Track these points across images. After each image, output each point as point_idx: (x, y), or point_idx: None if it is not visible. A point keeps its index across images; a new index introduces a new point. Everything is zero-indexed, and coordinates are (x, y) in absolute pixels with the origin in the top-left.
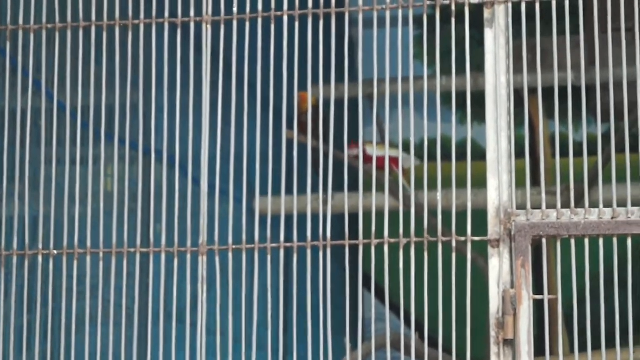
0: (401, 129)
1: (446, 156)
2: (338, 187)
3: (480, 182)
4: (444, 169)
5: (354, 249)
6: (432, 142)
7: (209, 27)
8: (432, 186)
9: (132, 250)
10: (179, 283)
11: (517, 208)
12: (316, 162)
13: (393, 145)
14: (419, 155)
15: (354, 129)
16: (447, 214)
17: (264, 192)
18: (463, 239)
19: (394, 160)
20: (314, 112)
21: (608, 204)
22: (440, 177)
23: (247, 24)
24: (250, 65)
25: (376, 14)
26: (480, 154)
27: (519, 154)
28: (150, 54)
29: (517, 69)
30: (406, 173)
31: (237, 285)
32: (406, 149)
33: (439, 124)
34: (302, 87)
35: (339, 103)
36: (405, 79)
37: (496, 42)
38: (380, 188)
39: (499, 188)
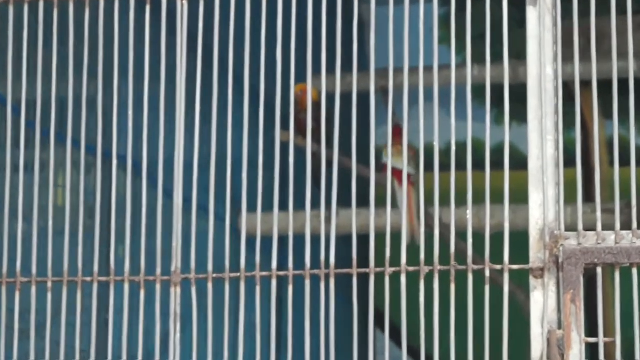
0: (422, 130)
1: (478, 164)
2: (344, 202)
3: (520, 197)
4: (475, 180)
5: (363, 279)
6: (461, 147)
7: (185, 3)
8: (461, 202)
9: (89, 279)
10: (146, 320)
11: (566, 229)
12: (317, 171)
13: (396, 153)
14: (445, 162)
15: (364, 129)
16: (478, 237)
17: (252, 208)
18: (499, 267)
19: (397, 174)
20: (315, 108)
21: None
22: (470, 190)
23: (233, 0)
24: (236, 51)
25: None
26: (520, 162)
27: (569, 162)
28: (112, 36)
29: (567, 57)
30: (412, 183)
31: (218, 323)
32: (429, 154)
33: (469, 124)
34: (301, 78)
35: (346, 98)
36: (428, 69)
37: (541, 23)
38: (397, 204)
39: (543, 205)
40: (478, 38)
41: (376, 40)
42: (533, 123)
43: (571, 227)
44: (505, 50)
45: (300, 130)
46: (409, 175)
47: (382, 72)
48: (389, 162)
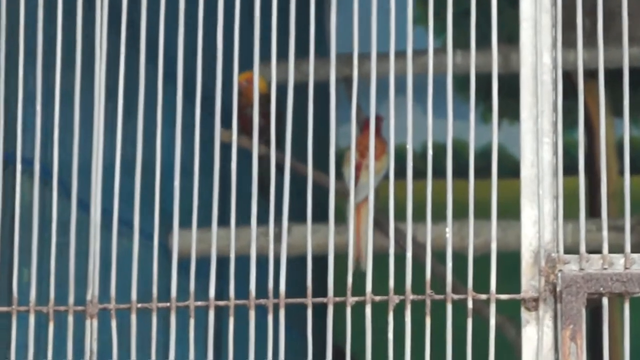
0: (393, 128)
1: (461, 171)
2: (298, 216)
3: (511, 212)
4: (456, 191)
5: (320, 311)
6: (440, 150)
7: None
8: (439, 216)
9: None
10: (56, 357)
11: (566, 251)
12: (265, 179)
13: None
14: (420, 168)
15: (323, 128)
16: (460, 259)
17: (185, 224)
18: (484, 296)
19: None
20: (264, 102)
21: None
22: (451, 202)
23: None
24: (167, 31)
25: None
26: (511, 169)
27: (570, 169)
28: (18, 14)
29: (569, 43)
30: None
31: None
32: (401, 158)
33: (450, 122)
34: (246, 66)
35: (301, 89)
36: (401, 55)
37: (537, 2)
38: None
39: (538, 221)
40: (461, 17)
41: (337, 21)
42: (527, 122)
43: (572, 249)
44: (493, 33)
45: (245, 128)
46: None
47: (345, 59)
48: (351, 172)
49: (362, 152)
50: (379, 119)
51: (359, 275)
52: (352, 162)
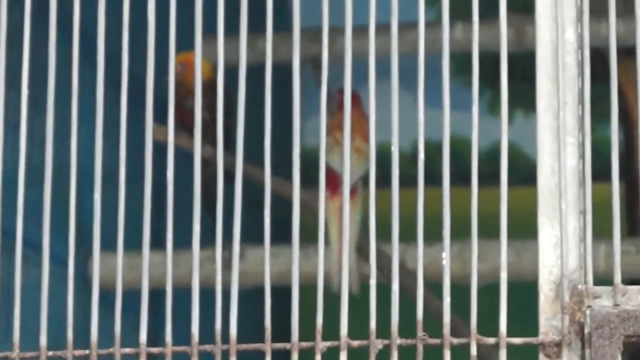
0: (373, 122)
1: (461, 177)
2: (253, 236)
3: (525, 230)
4: (456, 202)
5: (282, 358)
6: (435, 149)
7: None
8: (433, 235)
9: None
10: None
11: (596, 282)
12: (211, 188)
13: (333, 145)
14: (409, 172)
15: (284, 121)
16: (461, 292)
17: (109, 247)
18: (491, 340)
19: (331, 179)
20: (208, 91)
21: None
22: (448, 217)
23: None
24: (85, 3)
25: None
26: (526, 174)
27: (601, 175)
28: None
29: (598, 13)
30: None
31: None
32: (384, 160)
33: (446, 114)
34: (185, 45)
35: (256, 73)
36: (383, 29)
37: None
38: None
39: (560, 243)
40: None
41: None
42: (545, 117)
43: (604, 278)
44: (502, 1)
45: (185, 124)
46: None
47: (311, 34)
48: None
49: (334, 129)
50: (355, 96)
51: (332, 312)
52: (346, 142)
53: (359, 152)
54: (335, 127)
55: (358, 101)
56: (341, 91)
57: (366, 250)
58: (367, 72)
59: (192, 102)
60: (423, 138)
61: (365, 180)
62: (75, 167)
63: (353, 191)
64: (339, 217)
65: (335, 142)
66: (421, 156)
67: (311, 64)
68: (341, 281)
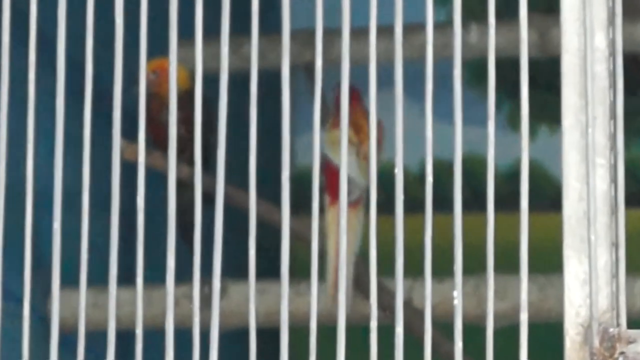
0: (374, 138)
1: (475, 200)
2: (237, 269)
3: (549, 262)
4: (469, 230)
5: None
6: (445, 169)
7: None
8: (444, 269)
9: None
10: None
11: (630, 325)
12: (188, 214)
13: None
14: (415, 195)
15: (272, 137)
16: (475, 333)
17: (70, 281)
18: None
19: (331, 175)
20: (184, 102)
21: None
22: (460, 248)
23: None
24: (42, 2)
25: None
26: (550, 198)
27: (635, 199)
28: None
29: (632, 17)
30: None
31: None
32: (386, 181)
33: (458, 128)
34: (158, 50)
35: (240, 82)
36: (386, 30)
37: None
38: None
39: (589, 280)
40: None
41: None
42: (571, 134)
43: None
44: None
45: (158, 141)
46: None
47: (304, 37)
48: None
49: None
50: (355, 94)
51: (327, 357)
52: (343, 139)
53: (367, 160)
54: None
55: (359, 100)
56: (339, 88)
57: (366, 286)
58: (367, 81)
59: (166, 115)
60: (432, 158)
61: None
62: (31, 190)
63: (356, 201)
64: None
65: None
66: (429, 178)
67: (304, 71)
68: (338, 312)
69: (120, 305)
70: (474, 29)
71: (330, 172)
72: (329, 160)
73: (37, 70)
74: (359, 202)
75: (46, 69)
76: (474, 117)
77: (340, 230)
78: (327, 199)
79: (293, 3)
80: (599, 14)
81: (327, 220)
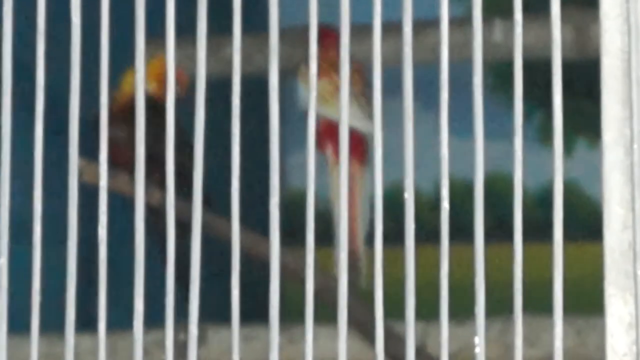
0: (380, 155)
1: (502, 228)
2: (218, 312)
3: (588, 301)
4: (494, 263)
5: None
6: (464, 190)
7: None
8: (463, 310)
9: None
10: None
11: None
12: (160, 246)
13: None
14: (429, 222)
15: (259, 153)
16: None
17: (19, 327)
18: None
19: (328, 132)
20: (155, 112)
21: None
22: (482, 284)
23: None
24: None
25: None
26: (589, 224)
27: None
28: None
29: None
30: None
31: None
32: (394, 204)
33: (479, 142)
34: (124, 52)
35: (222, 88)
36: (392, 28)
37: None
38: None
39: (636, 322)
40: None
41: None
42: (613, 151)
43: None
44: None
45: (123, 160)
46: (359, 140)
47: (297, 36)
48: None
49: (327, 70)
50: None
51: None
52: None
53: (363, 99)
54: (328, 67)
55: (334, 38)
56: (325, 32)
57: (371, 330)
58: (372, 86)
59: (128, 130)
60: (448, 179)
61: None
62: None
63: (360, 153)
64: (349, 189)
65: (333, 87)
66: (445, 204)
67: (290, 75)
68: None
69: (80, 355)
70: (499, 25)
71: (326, 128)
72: (322, 116)
73: None
74: (362, 151)
75: None
76: (499, 129)
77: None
78: (330, 159)
79: None
80: None
81: (332, 183)
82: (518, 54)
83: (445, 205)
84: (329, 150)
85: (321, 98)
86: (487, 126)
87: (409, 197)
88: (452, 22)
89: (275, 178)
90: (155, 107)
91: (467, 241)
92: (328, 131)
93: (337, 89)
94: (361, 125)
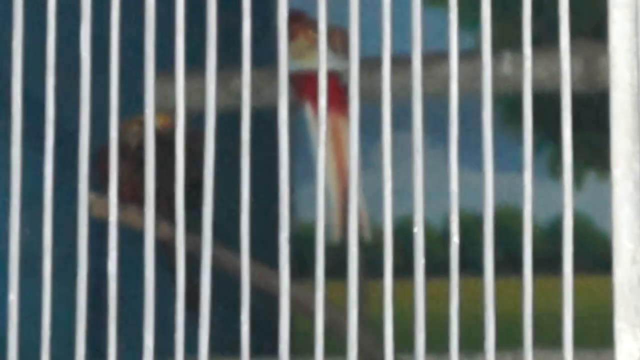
0: (389, 185)
1: (512, 261)
2: (227, 346)
3: (598, 335)
4: (503, 297)
5: None
6: (474, 224)
7: None
8: (473, 344)
9: None
10: None
11: None
12: (171, 278)
13: (304, 45)
14: (437, 255)
15: (269, 188)
16: None
17: None
18: None
19: (307, 86)
20: (166, 146)
21: None
22: (492, 318)
23: None
24: None
25: None
26: (599, 258)
27: None
28: None
29: None
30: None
31: None
32: (404, 236)
33: (488, 175)
34: (133, 85)
35: (232, 122)
36: (401, 60)
37: None
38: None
39: None
40: None
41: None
42: (623, 185)
43: None
44: (562, 22)
45: (133, 193)
46: (337, 89)
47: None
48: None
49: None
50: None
51: None
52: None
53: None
54: (300, 28)
55: (303, 15)
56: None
57: None
58: (381, 119)
59: (136, 165)
60: (458, 212)
61: (373, 265)
62: None
63: (339, 102)
64: (334, 142)
65: (310, 42)
66: (454, 239)
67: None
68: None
69: None
70: (508, 58)
71: (305, 82)
72: (299, 71)
73: None
74: (344, 101)
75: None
76: (510, 162)
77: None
78: (309, 113)
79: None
80: None
81: (314, 137)
82: (527, 89)
83: (455, 240)
84: (309, 105)
85: (297, 56)
86: (498, 159)
87: (418, 231)
88: (462, 54)
89: (285, 212)
90: (164, 142)
91: (476, 274)
92: (306, 84)
93: (314, 42)
94: (335, 65)
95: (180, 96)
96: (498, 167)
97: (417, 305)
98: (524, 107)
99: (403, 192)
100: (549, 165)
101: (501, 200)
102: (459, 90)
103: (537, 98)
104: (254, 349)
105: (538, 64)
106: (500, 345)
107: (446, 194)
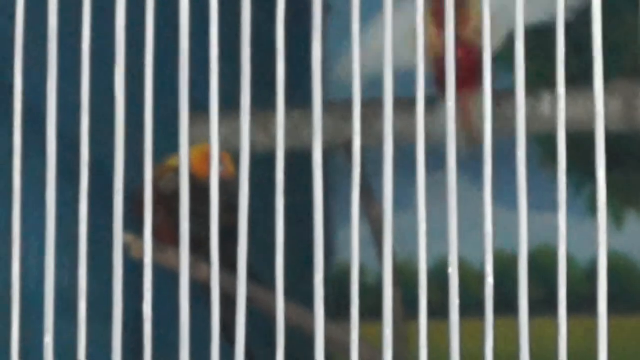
0: (423, 226)
1: (550, 301)
2: None
3: None
4: (538, 336)
5: None
6: (511, 262)
7: None
8: None
9: None
10: None
11: None
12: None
13: None
14: (476, 294)
15: (306, 230)
16: None
17: None
18: None
19: (462, 55)
20: (224, 189)
21: None
22: (527, 357)
23: None
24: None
25: None
26: (637, 300)
27: None
28: None
29: None
30: None
31: None
32: (440, 273)
33: (522, 215)
34: (169, 126)
35: (269, 163)
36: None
37: None
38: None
39: None
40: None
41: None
42: None
43: None
44: (596, 61)
45: (169, 234)
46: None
47: (344, 110)
48: None
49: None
50: None
51: None
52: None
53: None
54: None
55: None
56: None
57: None
58: (415, 157)
59: (171, 206)
60: (492, 255)
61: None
62: (18, 296)
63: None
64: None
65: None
66: (489, 279)
67: (344, 149)
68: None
69: None
70: (547, 98)
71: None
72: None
73: (24, 152)
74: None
75: (35, 150)
76: (549, 201)
77: None
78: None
79: (331, 70)
80: None
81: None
82: (561, 128)
83: (489, 280)
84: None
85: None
86: (536, 198)
87: (453, 271)
88: (498, 93)
89: (319, 255)
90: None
91: (511, 314)
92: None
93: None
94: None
95: (215, 138)
96: (537, 206)
97: (452, 345)
98: (558, 146)
99: (441, 230)
100: (589, 205)
101: (540, 239)
102: (496, 130)
103: (579, 138)
104: None
105: (576, 103)
106: None
107: (479, 231)
